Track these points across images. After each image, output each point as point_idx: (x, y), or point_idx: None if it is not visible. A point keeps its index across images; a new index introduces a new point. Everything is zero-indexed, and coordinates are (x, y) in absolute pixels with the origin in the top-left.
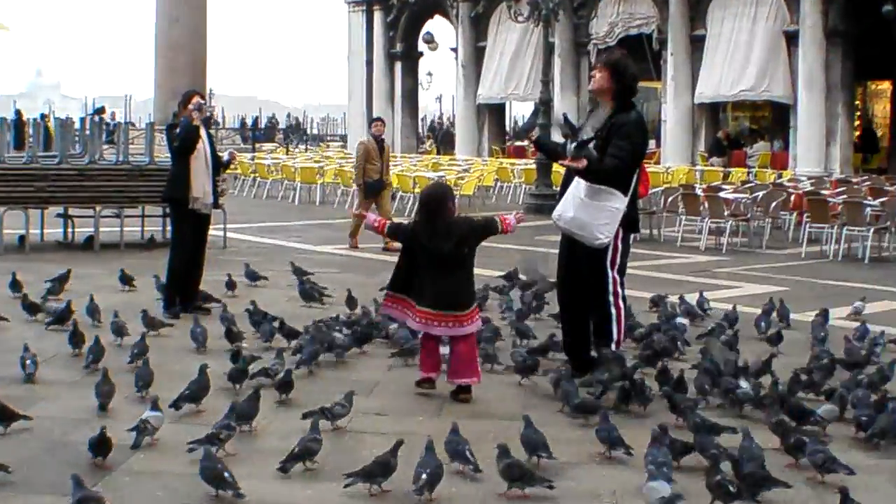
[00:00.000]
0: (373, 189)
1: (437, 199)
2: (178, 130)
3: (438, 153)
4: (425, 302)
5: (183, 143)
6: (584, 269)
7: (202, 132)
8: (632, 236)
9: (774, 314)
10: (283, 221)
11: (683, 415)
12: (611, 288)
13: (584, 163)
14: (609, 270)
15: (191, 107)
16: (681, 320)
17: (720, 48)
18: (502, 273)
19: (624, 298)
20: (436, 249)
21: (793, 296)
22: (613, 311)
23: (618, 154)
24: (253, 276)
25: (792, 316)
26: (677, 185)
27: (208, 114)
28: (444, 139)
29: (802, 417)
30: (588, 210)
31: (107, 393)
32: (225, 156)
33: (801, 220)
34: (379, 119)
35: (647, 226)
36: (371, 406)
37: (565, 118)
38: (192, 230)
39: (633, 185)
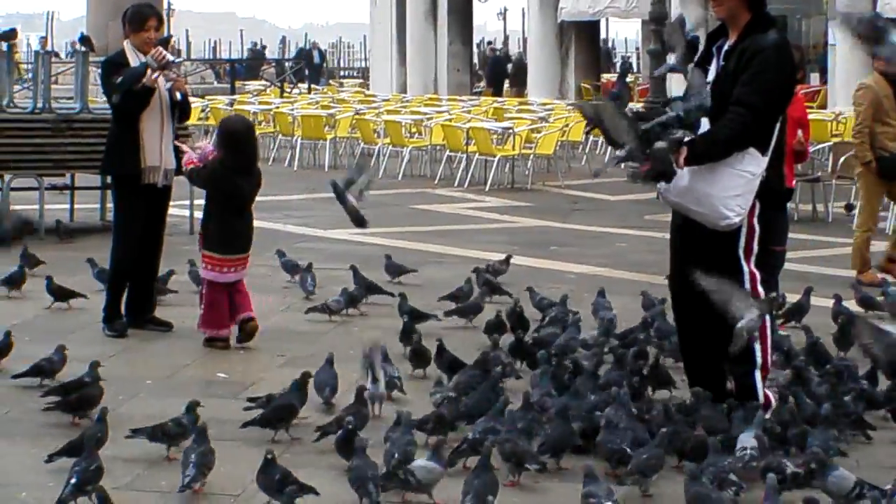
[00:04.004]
0: (892, 168)
1: (247, 132)
2: (120, 79)
3: (497, 94)
4: (220, 247)
5: (128, 107)
6: (707, 262)
7: (160, 82)
8: (791, 210)
9: None
10: (277, 195)
11: None
12: (748, 288)
13: (681, 153)
14: (744, 263)
15: (149, 59)
16: None
17: None
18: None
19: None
20: (245, 189)
21: None
22: None
23: (748, 100)
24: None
25: None
26: (852, 138)
27: (171, 58)
28: (515, 74)
29: None
30: (711, 176)
31: None
32: (176, 95)
33: None
34: None
35: (809, 199)
36: None
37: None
38: (146, 210)
39: (774, 138)
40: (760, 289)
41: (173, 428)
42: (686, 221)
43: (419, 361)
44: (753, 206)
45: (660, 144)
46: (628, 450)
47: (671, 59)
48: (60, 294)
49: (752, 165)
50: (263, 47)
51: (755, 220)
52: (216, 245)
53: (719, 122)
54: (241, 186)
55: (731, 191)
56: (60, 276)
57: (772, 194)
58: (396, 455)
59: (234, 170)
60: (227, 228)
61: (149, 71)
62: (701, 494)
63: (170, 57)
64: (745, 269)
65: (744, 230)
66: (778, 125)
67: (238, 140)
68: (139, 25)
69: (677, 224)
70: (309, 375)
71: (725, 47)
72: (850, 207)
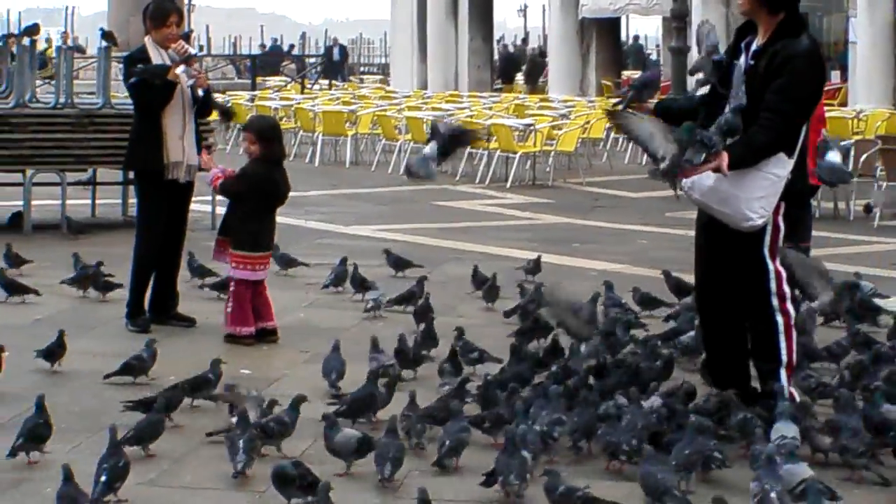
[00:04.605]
0: None
1: (277, 125)
2: (142, 66)
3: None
4: (252, 246)
5: (149, 102)
6: (732, 261)
7: (182, 76)
8: (813, 208)
9: None
10: (298, 191)
11: None
12: (774, 287)
13: (724, 158)
14: (769, 261)
15: (171, 52)
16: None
17: None
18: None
19: (795, 300)
20: (282, 185)
21: None
22: (780, 319)
23: (780, 107)
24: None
25: None
26: (873, 136)
27: (193, 52)
28: (530, 71)
29: None
30: (737, 176)
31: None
32: (198, 92)
33: None
34: None
35: (830, 197)
36: None
37: (714, 61)
38: (168, 205)
39: (801, 141)
40: (786, 287)
41: (275, 427)
42: (711, 220)
43: (404, 362)
44: (779, 206)
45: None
46: (624, 445)
47: (700, 74)
48: (13, 288)
49: (778, 168)
50: (291, 46)
51: (780, 219)
52: (249, 244)
53: (752, 129)
54: (280, 183)
55: (756, 192)
56: (63, 272)
57: (796, 193)
58: (448, 443)
59: (273, 163)
60: (261, 227)
61: (177, 69)
62: (649, 473)
63: (192, 50)
64: (771, 267)
65: (769, 229)
66: (804, 128)
67: (274, 131)
68: (161, 21)
69: (703, 222)
70: (400, 379)
71: (754, 46)
72: (868, 208)
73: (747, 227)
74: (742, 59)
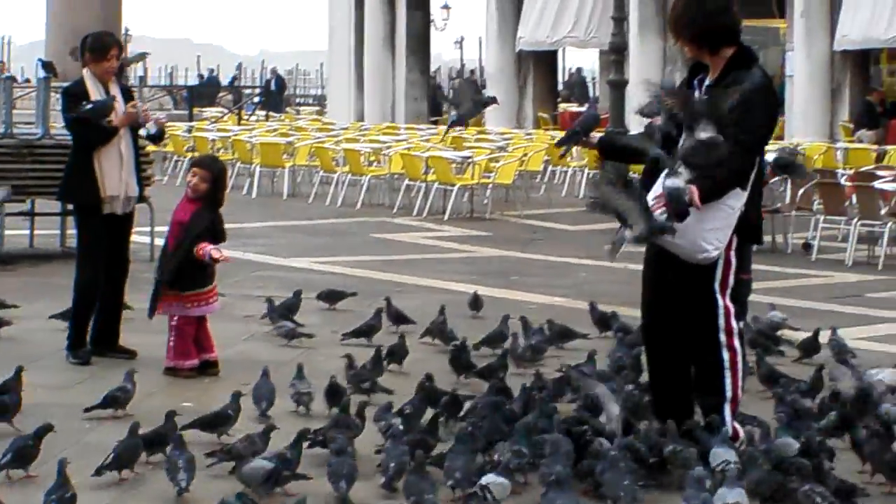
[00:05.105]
0: None
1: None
2: (90, 106)
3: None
4: (203, 282)
5: (89, 140)
6: (681, 295)
7: (118, 100)
8: (753, 247)
9: None
10: (236, 222)
11: None
12: (722, 322)
13: (695, 192)
14: (719, 297)
15: (137, 112)
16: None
17: None
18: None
19: (742, 336)
20: (224, 234)
21: None
22: (726, 355)
23: (737, 138)
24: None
25: None
26: (810, 170)
27: (163, 118)
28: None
29: None
30: (694, 209)
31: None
32: (151, 126)
33: None
34: None
35: (769, 230)
36: None
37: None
38: (108, 236)
39: (754, 174)
40: (734, 323)
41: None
42: (660, 253)
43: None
44: (731, 241)
45: (674, 183)
46: (553, 475)
47: (659, 120)
48: None
49: (732, 199)
50: (234, 78)
51: (732, 254)
52: (199, 282)
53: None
54: (219, 225)
55: (713, 223)
56: None
57: (752, 227)
58: (393, 465)
59: (218, 205)
60: (206, 262)
61: (118, 114)
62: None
63: (162, 116)
64: (720, 302)
65: (721, 264)
66: (758, 160)
67: (225, 175)
68: (102, 55)
69: (652, 255)
70: (366, 405)
71: (707, 81)
72: (808, 246)
73: (701, 259)
74: (696, 96)
